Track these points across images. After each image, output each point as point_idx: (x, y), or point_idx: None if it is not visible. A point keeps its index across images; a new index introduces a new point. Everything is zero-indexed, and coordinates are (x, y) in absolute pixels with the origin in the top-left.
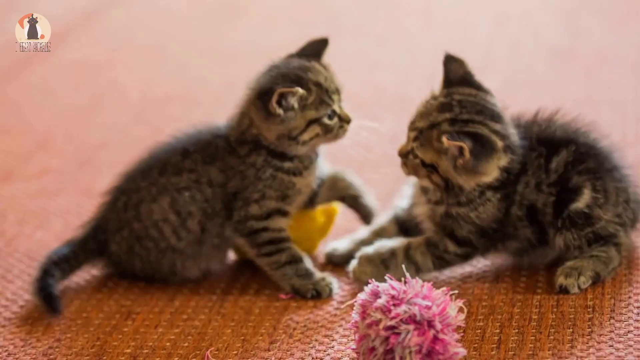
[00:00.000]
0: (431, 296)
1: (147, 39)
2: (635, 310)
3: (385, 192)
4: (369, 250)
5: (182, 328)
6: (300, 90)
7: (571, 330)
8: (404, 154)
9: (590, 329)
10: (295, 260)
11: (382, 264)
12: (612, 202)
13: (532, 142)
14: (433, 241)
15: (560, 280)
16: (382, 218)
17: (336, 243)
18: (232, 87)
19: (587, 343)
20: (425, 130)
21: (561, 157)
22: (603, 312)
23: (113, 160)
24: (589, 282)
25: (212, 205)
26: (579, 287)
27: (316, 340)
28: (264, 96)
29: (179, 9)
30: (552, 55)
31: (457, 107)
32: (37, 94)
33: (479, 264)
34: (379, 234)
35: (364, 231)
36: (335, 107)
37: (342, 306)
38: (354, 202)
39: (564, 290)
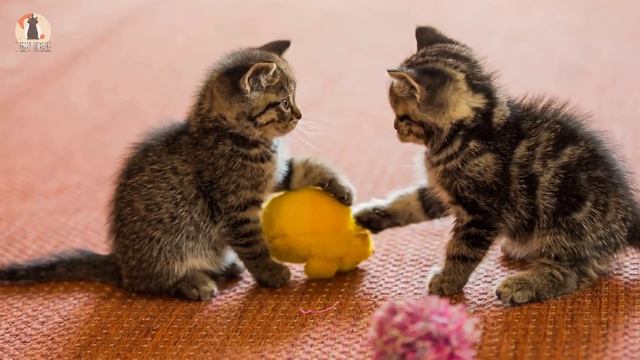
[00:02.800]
0: (447, 313)
1: (162, 58)
2: None
3: None
4: (438, 274)
5: (201, 344)
6: (274, 66)
7: (585, 346)
8: (395, 124)
9: (604, 345)
10: (266, 252)
11: (445, 276)
12: (608, 219)
13: (546, 116)
14: (455, 225)
15: (498, 286)
16: (405, 191)
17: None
18: None
19: (601, 359)
20: (392, 88)
21: (577, 149)
22: (617, 329)
23: None
24: (524, 300)
25: (181, 192)
26: (512, 301)
27: (334, 356)
28: (234, 72)
29: (194, 29)
30: (563, 71)
31: (416, 57)
32: (57, 112)
33: (495, 280)
34: (398, 204)
35: (383, 202)
36: (290, 98)
37: (359, 322)
38: (331, 185)
39: (498, 296)
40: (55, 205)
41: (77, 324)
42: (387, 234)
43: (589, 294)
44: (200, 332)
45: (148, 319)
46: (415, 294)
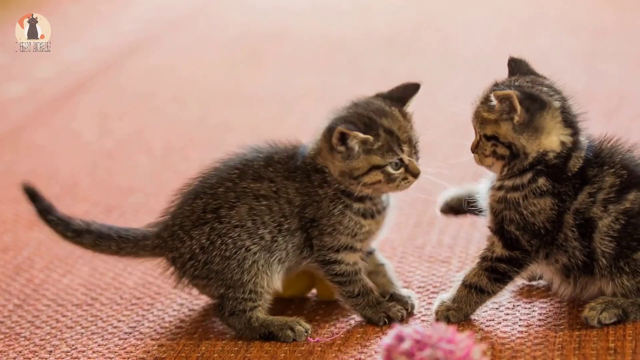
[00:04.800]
0: (455, 340)
1: (167, 87)
2: None
3: (406, 235)
4: (444, 299)
5: None
6: (360, 135)
7: None
8: (475, 145)
9: None
10: (367, 291)
11: (453, 303)
12: None
13: (613, 161)
14: (483, 254)
15: (585, 312)
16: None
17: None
18: (254, 132)
19: None
20: (479, 109)
21: None
22: (625, 354)
23: (139, 206)
24: (612, 320)
25: (288, 222)
26: (599, 322)
27: None
28: (330, 130)
29: (199, 58)
30: (571, 98)
31: (509, 82)
32: (63, 140)
33: (502, 307)
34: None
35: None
36: (404, 157)
37: (367, 350)
38: (392, 297)
39: (585, 321)
40: None
41: (84, 353)
42: (394, 261)
43: None
44: None
45: (155, 348)
46: (423, 320)
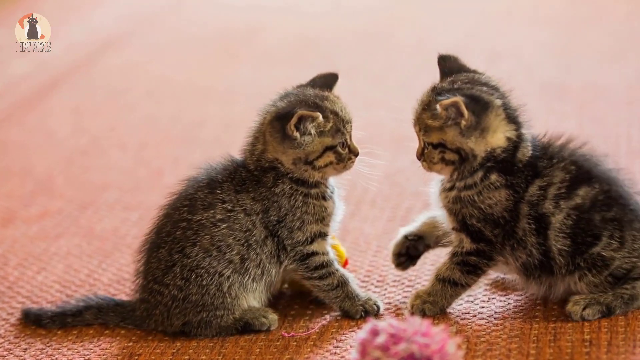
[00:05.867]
0: (430, 333)
1: (142, 84)
2: (632, 344)
3: (381, 229)
4: (421, 291)
5: None
6: (320, 116)
7: None
8: (420, 153)
9: None
10: (345, 281)
11: (429, 297)
12: (627, 249)
13: (562, 156)
14: (453, 250)
15: (568, 305)
16: (432, 213)
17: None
18: (230, 127)
19: None
20: (422, 116)
21: (592, 190)
22: (600, 346)
23: (114, 202)
24: (596, 317)
25: (254, 234)
26: (582, 318)
27: None
28: (282, 118)
29: (174, 52)
30: (544, 90)
31: (447, 83)
32: (37, 137)
33: (477, 299)
34: (426, 226)
35: (410, 227)
36: (347, 138)
37: (342, 344)
38: None
39: (569, 315)
40: (36, 231)
41: (60, 350)
42: (369, 255)
43: None
44: (183, 357)
45: (131, 344)
46: (398, 314)
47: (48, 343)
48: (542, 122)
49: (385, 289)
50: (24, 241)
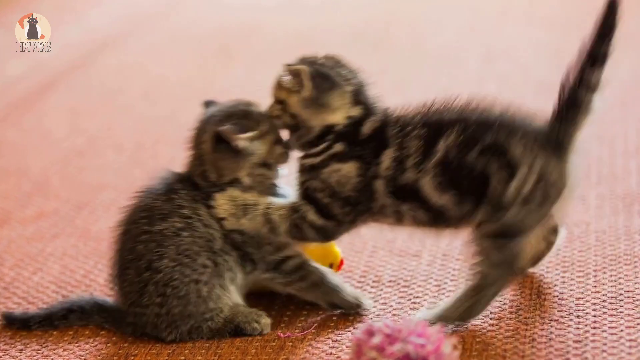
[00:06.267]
0: (426, 334)
1: (138, 84)
2: (627, 344)
3: (376, 229)
4: (235, 191)
5: None
6: (248, 135)
7: None
8: (271, 106)
9: None
10: (324, 277)
11: (242, 209)
12: (525, 166)
13: (414, 121)
14: (296, 206)
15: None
16: None
17: None
18: None
19: None
20: (280, 79)
21: (449, 137)
22: (595, 346)
23: (110, 203)
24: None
25: (217, 244)
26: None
27: None
28: (222, 140)
29: (170, 52)
30: (540, 89)
31: (314, 58)
32: (33, 137)
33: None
34: None
35: None
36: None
37: (338, 345)
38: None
39: None
40: (32, 231)
41: (55, 351)
42: (364, 255)
43: (566, 312)
44: (179, 357)
45: (126, 344)
46: (394, 315)
47: (44, 344)
48: (538, 121)
49: (381, 289)
50: (20, 242)
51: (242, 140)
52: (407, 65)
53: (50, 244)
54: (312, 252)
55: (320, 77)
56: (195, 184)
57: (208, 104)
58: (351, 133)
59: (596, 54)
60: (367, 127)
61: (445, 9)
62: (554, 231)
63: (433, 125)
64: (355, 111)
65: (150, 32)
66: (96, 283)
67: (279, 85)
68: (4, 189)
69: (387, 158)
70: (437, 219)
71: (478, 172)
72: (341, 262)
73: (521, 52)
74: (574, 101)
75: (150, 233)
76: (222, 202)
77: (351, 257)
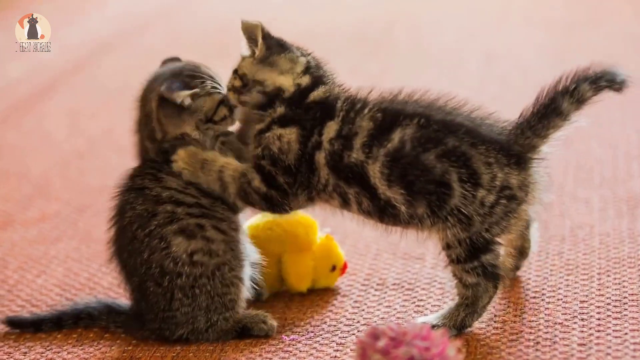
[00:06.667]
0: (430, 337)
1: (139, 85)
2: (632, 347)
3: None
4: (196, 148)
5: None
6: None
7: None
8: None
9: None
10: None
11: (200, 164)
12: (485, 185)
13: (368, 103)
14: (245, 171)
15: None
16: None
17: None
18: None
19: None
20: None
21: (407, 129)
22: (599, 349)
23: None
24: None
25: (203, 206)
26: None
27: None
28: (170, 94)
29: (172, 53)
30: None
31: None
32: (34, 139)
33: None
34: None
35: None
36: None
37: (342, 348)
38: None
39: None
40: (35, 234)
41: (60, 354)
42: (368, 258)
43: (570, 315)
44: None
45: (130, 347)
46: (398, 318)
47: (48, 347)
48: None
49: (385, 292)
50: (22, 244)
51: (183, 97)
52: (408, 66)
53: (53, 246)
54: (315, 254)
55: (273, 38)
56: (151, 167)
57: (167, 61)
58: (297, 99)
59: (599, 77)
60: (313, 95)
61: (447, 10)
62: (527, 226)
63: (391, 111)
64: (305, 80)
65: (151, 33)
66: (100, 286)
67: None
68: (5, 192)
69: (331, 130)
70: (383, 212)
71: (436, 176)
72: (345, 265)
73: (522, 53)
74: (554, 108)
75: (149, 235)
76: (183, 155)
77: (355, 260)
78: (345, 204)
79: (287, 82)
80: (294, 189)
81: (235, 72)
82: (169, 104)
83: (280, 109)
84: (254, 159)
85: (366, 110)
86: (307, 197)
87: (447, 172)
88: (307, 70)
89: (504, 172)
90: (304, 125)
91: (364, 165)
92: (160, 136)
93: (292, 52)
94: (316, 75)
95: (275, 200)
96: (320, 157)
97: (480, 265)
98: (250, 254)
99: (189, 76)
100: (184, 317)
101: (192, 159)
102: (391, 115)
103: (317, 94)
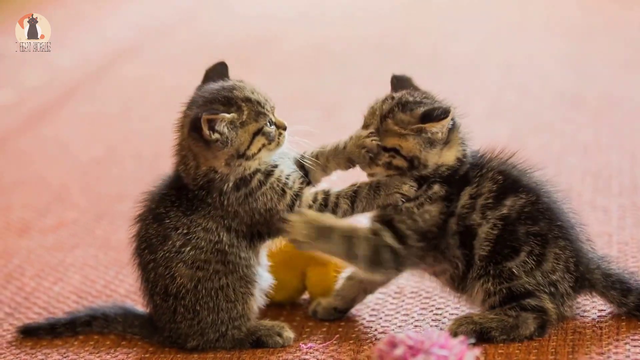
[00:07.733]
0: (448, 345)
1: (158, 92)
2: None
3: None
4: (311, 212)
5: None
6: (226, 116)
7: None
8: (372, 151)
9: None
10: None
11: (317, 230)
12: (545, 269)
13: (491, 166)
14: (375, 229)
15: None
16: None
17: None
18: None
19: None
20: (379, 123)
21: (518, 200)
22: (618, 359)
23: (129, 213)
24: (468, 333)
25: (223, 242)
26: (455, 333)
27: None
28: (195, 128)
29: (188, 62)
30: (560, 100)
31: (406, 95)
32: (51, 147)
33: None
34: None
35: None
36: (271, 116)
37: (360, 356)
38: None
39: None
40: (52, 241)
41: None
42: None
43: (590, 324)
44: None
45: (147, 355)
46: (416, 326)
47: (65, 354)
48: (558, 133)
49: (403, 301)
50: (40, 252)
51: (209, 134)
52: (425, 75)
53: (70, 254)
54: (337, 266)
55: (444, 113)
56: (179, 196)
57: (210, 72)
58: (452, 175)
59: None
60: (461, 171)
61: (464, 19)
62: None
63: (509, 178)
64: (461, 152)
65: (167, 42)
66: (117, 293)
67: (388, 132)
68: (22, 199)
69: (466, 195)
70: (465, 273)
71: (514, 244)
72: None
73: (541, 62)
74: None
75: (154, 261)
76: (298, 225)
77: None
78: (450, 268)
79: (450, 158)
80: (420, 252)
81: (393, 150)
82: (197, 136)
83: (436, 187)
84: (390, 222)
85: (490, 173)
86: (424, 260)
87: (524, 244)
88: (460, 135)
89: (563, 276)
90: (451, 199)
91: (477, 227)
92: (193, 168)
93: (459, 124)
94: (461, 135)
95: (402, 256)
96: (452, 222)
97: (527, 305)
98: (262, 275)
99: (223, 102)
100: (190, 329)
101: (310, 230)
102: (510, 181)
103: (462, 170)
